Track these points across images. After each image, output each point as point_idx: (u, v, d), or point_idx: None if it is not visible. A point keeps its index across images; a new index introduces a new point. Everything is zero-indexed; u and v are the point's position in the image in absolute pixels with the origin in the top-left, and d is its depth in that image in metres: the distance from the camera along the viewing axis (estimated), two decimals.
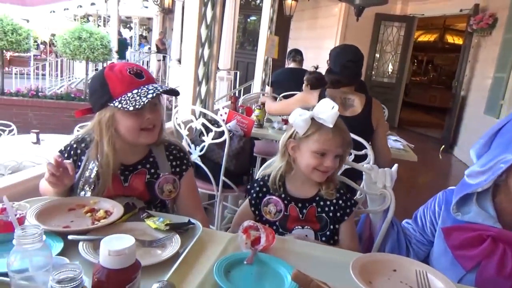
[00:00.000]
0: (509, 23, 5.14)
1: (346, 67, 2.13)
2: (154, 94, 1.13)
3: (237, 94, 5.83)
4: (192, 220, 1.06)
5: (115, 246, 0.60)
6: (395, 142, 2.69)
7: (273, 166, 1.33)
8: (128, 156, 1.24)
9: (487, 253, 1.12)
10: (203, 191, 2.35)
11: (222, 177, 2.19)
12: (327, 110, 1.19)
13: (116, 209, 1.07)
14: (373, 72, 7.92)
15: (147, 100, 1.11)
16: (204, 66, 2.81)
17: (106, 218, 1.03)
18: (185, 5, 2.66)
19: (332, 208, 1.26)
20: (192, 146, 2.29)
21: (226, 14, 7.21)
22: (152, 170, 1.26)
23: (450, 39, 11.73)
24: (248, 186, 1.34)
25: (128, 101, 1.12)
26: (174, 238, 0.97)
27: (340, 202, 1.27)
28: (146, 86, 1.16)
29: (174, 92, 1.29)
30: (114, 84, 1.15)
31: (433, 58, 13.45)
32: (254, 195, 1.30)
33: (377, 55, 7.85)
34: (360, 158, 2.04)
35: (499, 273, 1.10)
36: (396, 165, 1.34)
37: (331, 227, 1.25)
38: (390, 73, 7.96)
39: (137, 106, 1.10)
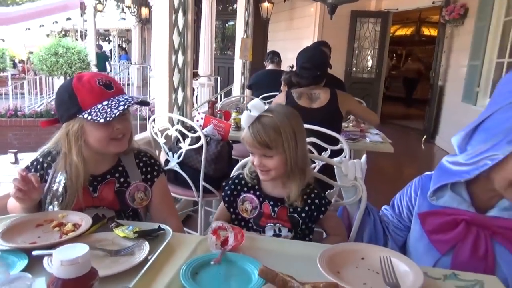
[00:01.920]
0: (479, 12, 5.26)
1: (304, 69, 2.25)
2: (126, 106, 1.13)
3: (219, 99, 5.83)
4: (162, 226, 1.06)
5: (67, 256, 0.60)
6: (373, 135, 2.72)
7: (250, 162, 1.34)
8: (96, 166, 1.24)
9: (461, 237, 1.15)
10: (185, 198, 2.34)
11: (201, 182, 2.19)
12: (245, 113, 1.21)
13: (84, 221, 1.06)
14: (352, 69, 8.00)
15: (118, 112, 1.11)
16: (179, 73, 2.81)
17: (74, 231, 1.02)
18: (154, 13, 2.66)
19: (304, 209, 1.26)
20: (170, 153, 2.28)
21: (203, 20, 7.23)
22: (122, 179, 1.25)
23: (426, 31, 11.95)
24: (223, 184, 1.34)
25: (99, 113, 1.11)
26: (143, 245, 0.96)
27: (312, 204, 1.26)
28: (116, 98, 1.16)
29: (144, 103, 1.29)
30: (83, 95, 1.14)
31: (412, 51, 13.66)
32: (229, 192, 1.31)
33: (356, 52, 7.93)
34: (338, 153, 2.06)
35: (473, 255, 1.12)
36: (364, 156, 1.35)
37: (303, 226, 1.26)
38: (369, 68, 8.05)
39: (108, 118, 1.10)
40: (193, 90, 7.36)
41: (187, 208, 3.01)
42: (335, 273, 0.87)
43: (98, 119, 1.10)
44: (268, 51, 4.88)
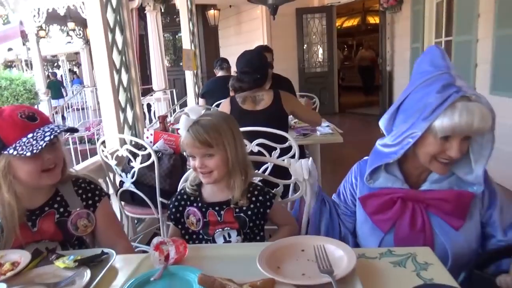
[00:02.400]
0: None
1: (244, 74, 2.30)
2: (52, 136, 1.11)
3: (175, 111, 5.79)
4: (106, 250, 1.05)
5: None
6: (324, 128, 2.80)
7: (191, 173, 1.36)
8: (32, 200, 1.21)
9: (399, 213, 1.22)
10: (145, 217, 2.31)
11: (159, 199, 2.17)
12: (182, 117, 1.24)
13: (23, 258, 1.03)
14: (305, 65, 8.16)
15: (44, 143, 1.09)
16: (125, 92, 2.77)
17: (13, 270, 0.99)
18: (90, 33, 2.61)
19: (249, 207, 1.28)
20: (123, 174, 2.25)
21: (150, 35, 7.16)
22: (61, 209, 1.23)
23: (371, 20, 12.35)
24: (168, 202, 1.35)
25: (24, 147, 1.09)
26: (84, 273, 0.95)
27: (257, 201, 1.29)
28: (42, 128, 1.14)
29: (73, 130, 1.27)
30: (5, 131, 1.12)
31: (362, 40, 14.09)
32: (174, 210, 1.33)
33: (306, 48, 8.10)
34: (288, 150, 2.11)
35: (412, 228, 1.19)
36: (311, 158, 1.40)
37: (251, 224, 1.28)
38: (321, 62, 8.24)
39: (34, 151, 1.08)
40: (150, 106, 7.31)
41: (153, 226, 2.97)
42: (274, 269, 0.90)
43: (24, 152, 1.08)
44: (218, 58, 4.90)
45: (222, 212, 1.27)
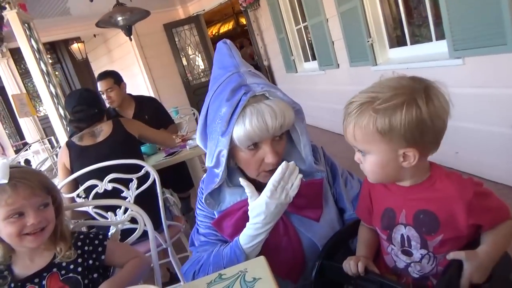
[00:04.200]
0: None
1: (78, 112, 2.08)
2: None
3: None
4: None
5: None
6: (194, 141, 2.65)
7: None
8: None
9: None
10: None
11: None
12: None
13: None
14: (189, 78, 8.01)
15: None
16: None
17: None
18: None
19: (77, 261, 1.07)
20: None
21: (7, 87, 6.39)
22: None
23: (244, 21, 12.66)
24: None
25: None
26: None
27: (83, 253, 1.09)
28: None
29: None
30: None
31: (242, 42, 14.41)
32: None
33: (184, 61, 7.94)
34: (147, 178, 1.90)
35: (275, 235, 1.06)
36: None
37: (86, 281, 1.07)
38: (204, 71, 8.16)
39: None
40: (29, 161, 6.52)
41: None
42: None
43: None
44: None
45: (44, 282, 1.04)
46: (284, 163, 0.98)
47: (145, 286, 0.83)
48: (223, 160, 0.98)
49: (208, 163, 1.04)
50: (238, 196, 1.07)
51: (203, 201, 1.10)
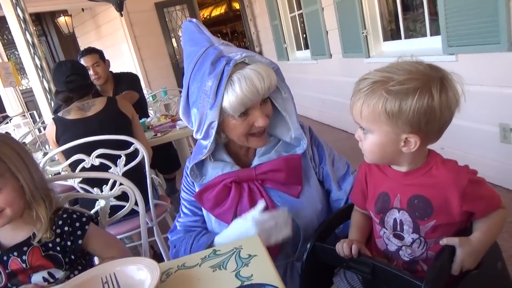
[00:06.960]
0: None
1: (71, 82, 1.98)
2: None
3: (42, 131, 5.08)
4: None
5: None
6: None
7: None
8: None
9: (237, 199, 1.11)
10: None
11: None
12: None
13: None
14: (178, 60, 7.88)
15: None
16: None
17: None
18: None
19: (55, 241, 1.04)
20: None
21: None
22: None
23: (237, 6, 12.50)
24: None
25: None
26: None
27: (63, 233, 1.05)
28: None
29: None
30: None
31: (235, 27, 14.24)
32: None
33: (174, 42, 7.81)
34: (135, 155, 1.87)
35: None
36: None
37: (67, 260, 1.05)
38: None
39: None
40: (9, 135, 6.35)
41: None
42: None
43: None
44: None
45: (25, 257, 1.01)
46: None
47: (141, 258, 0.82)
48: (213, 132, 1.01)
49: (198, 135, 1.06)
50: (220, 169, 1.11)
51: (188, 172, 1.14)
